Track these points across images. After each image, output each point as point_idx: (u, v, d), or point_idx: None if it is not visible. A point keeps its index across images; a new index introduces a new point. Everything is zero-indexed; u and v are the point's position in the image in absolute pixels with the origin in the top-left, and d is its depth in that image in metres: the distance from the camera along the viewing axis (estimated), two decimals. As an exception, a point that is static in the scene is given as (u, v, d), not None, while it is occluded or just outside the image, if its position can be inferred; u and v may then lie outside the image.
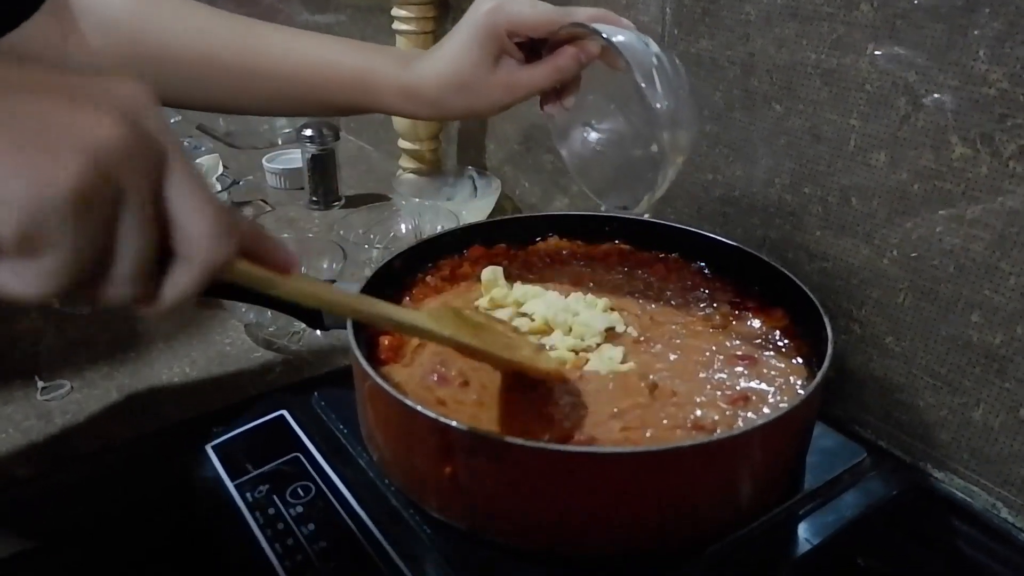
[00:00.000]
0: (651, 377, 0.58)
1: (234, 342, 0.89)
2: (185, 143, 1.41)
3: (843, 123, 0.70)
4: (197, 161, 1.25)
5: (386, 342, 0.63)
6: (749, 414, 0.55)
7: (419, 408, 0.51)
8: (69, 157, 0.29)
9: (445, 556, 0.54)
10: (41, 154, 0.29)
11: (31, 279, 0.30)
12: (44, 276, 0.30)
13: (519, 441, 0.48)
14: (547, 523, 0.52)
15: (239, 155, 1.48)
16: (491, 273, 0.71)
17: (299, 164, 1.26)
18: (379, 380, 0.53)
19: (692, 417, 0.55)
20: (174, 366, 0.84)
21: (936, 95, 0.62)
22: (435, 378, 0.58)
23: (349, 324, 0.60)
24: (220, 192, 1.18)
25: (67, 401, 0.78)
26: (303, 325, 0.87)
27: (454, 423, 0.49)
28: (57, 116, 0.30)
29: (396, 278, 0.72)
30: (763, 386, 0.58)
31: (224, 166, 1.27)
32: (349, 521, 0.57)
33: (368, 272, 0.67)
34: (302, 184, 1.26)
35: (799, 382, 0.59)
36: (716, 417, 0.55)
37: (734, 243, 0.74)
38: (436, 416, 0.50)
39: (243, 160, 1.44)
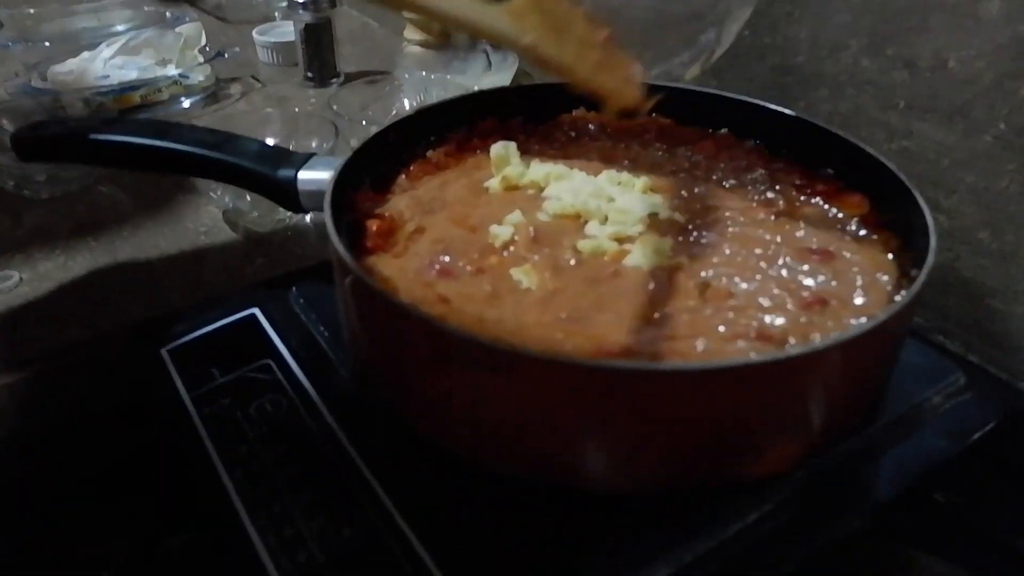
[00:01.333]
0: (702, 274, 0.47)
1: (210, 231, 0.78)
2: (167, 14, 1.27)
3: (947, -38, 0.56)
4: (176, 31, 1.11)
5: (374, 227, 0.51)
6: (828, 322, 0.44)
7: (406, 305, 0.40)
8: None
9: (439, 489, 0.44)
10: None
11: None
12: None
13: (532, 352, 0.37)
14: (567, 454, 0.41)
15: (229, 29, 1.34)
16: (502, 148, 0.59)
17: (293, 37, 1.12)
18: (358, 270, 0.42)
19: (755, 324, 0.43)
20: (139, 257, 0.73)
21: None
22: (435, 270, 0.46)
23: (327, 200, 0.48)
24: (201, 64, 1.05)
25: (13, 295, 0.67)
26: (287, 214, 0.76)
27: (448, 327, 0.38)
28: None
29: (390, 154, 0.60)
30: (843, 287, 0.46)
31: (208, 39, 1.13)
32: (326, 444, 0.47)
33: (355, 143, 0.55)
34: (296, 60, 1.12)
35: (887, 281, 0.47)
36: (785, 324, 0.43)
37: (800, 115, 0.60)
38: (426, 317, 0.39)
39: (232, 35, 1.30)
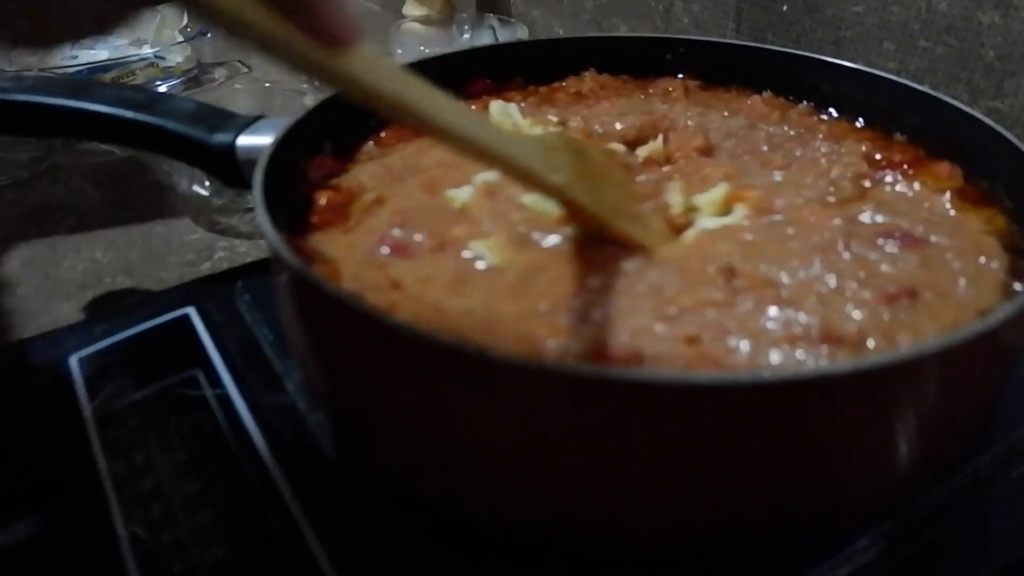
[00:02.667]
0: (727, 261, 0.35)
1: (168, 221, 0.67)
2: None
3: None
4: (156, 8, 1.02)
5: (324, 200, 0.40)
6: (923, 320, 0.32)
7: (340, 295, 0.28)
8: None
9: (393, 545, 0.33)
10: None
11: None
12: None
13: (513, 357, 0.26)
14: (559, 495, 0.30)
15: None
16: (500, 109, 0.48)
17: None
18: (283, 249, 0.31)
19: (816, 322, 0.31)
20: (83, 251, 0.63)
21: None
22: (387, 248, 0.35)
23: (260, 166, 0.37)
24: (180, 43, 0.95)
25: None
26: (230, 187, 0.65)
27: (394, 321, 0.27)
28: None
29: (360, 119, 0.49)
30: (938, 275, 0.35)
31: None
32: (254, 484, 0.36)
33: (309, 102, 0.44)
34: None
35: (997, 268, 0.35)
36: (862, 321, 0.32)
37: (865, 68, 0.49)
38: (366, 310, 0.28)
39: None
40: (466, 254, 0.35)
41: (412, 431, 0.32)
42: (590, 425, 0.27)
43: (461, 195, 0.39)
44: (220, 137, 0.44)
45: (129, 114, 0.45)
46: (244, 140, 0.44)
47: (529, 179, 0.32)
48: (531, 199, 0.38)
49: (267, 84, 0.74)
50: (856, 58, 0.58)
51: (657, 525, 0.31)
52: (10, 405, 0.42)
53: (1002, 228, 0.38)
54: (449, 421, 0.30)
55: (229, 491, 0.36)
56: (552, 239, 0.36)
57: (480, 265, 0.34)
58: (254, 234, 0.65)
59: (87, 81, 0.48)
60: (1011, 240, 0.37)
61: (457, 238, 0.35)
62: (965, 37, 0.51)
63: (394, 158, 0.45)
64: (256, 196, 0.35)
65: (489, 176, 0.40)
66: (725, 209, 0.40)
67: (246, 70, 1.02)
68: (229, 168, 0.44)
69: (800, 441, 0.28)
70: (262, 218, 0.34)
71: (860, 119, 0.49)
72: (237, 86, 0.75)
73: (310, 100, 0.67)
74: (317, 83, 0.73)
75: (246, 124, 0.45)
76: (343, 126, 0.47)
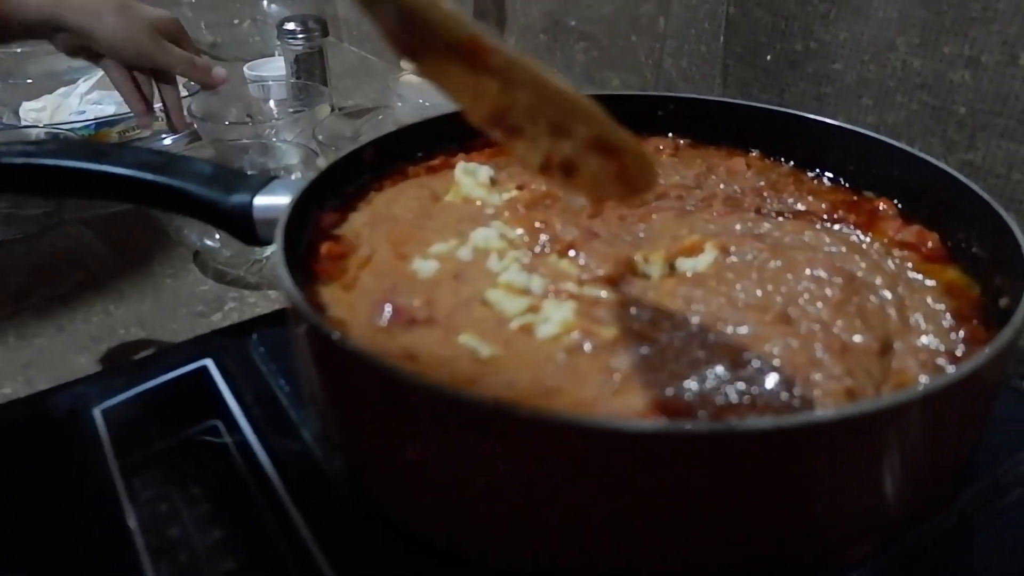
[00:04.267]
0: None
1: (178, 272, 0.70)
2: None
3: (1016, -62, 0.47)
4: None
5: (324, 249, 0.43)
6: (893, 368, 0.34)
7: (356, 349, 0.31)
8: None
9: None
10: None
11: None
12: None
13: (529, 411, 0.28)
14: (567, 539, 0.32)
15: (225, 66, 1.28)
16: (464, 171, 0.50)
17: (284, 72, 1.06)
18: (306, 309, 0.33)
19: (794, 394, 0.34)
20: (95, 303, 0.65)
21: None
22: (389, 313, 0.37)
23: (280, 227, 0.40)
24: (186, 96, 0.98)
25: (-55, 347, 0.59)
26: (265, 252, 0.68)
27: (414, 376, 0.29)
28: None
29: (370, 175, 0.52)
30: (899, 328, 0.37)
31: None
32: (277, 532, 0.38)
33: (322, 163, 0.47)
34: (286, 95, 1.05)
35: (962, 327, 0.38)
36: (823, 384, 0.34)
37: (843, 124, 0.52)
38: (386, 365, 0.30)
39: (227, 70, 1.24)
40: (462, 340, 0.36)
41: (423, 476, 0.34)
42: (593, 470, 0.29)
43: (424, 268, 0.40)
44: (237, 198, 0.46)
45: (149, 176, 0.48)
46: (260, 200, 0.46)
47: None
48: (495, 295, 0.38)
49: (274, 139, 0.77)
50: (837, 112, 0.61)
51: (652, 560, 0.33)
52: (36, 454, 0.44)
53: (959, 281, 0.41)
54: (456, 467, 0.32)
55: (251, 537, 0.38)
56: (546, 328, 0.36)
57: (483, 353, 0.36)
58: (262, 285, 0.68)
59: (108, 145, 0.51)
60: (979, 297, 0.40)
61: (444, 316, 0.37)
62: (939, 94, 0.54)
63: (377, 203, 0.48)
64: (278, 257, 0.38)
65: (454, 251, 0.42)
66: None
67: (248, 120, 1.05)
68: (246, 227, 0.47)
69: (787, 485, 0.31)
70: (283, 276, 0.36)
71: (840, 177, 0.52)
72: (244, 140, 0.77)
73: (308, 150, 0.70)
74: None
75: (260, 185, 0.47)
76: (349, 181, 0.50)
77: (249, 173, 0.50)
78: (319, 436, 0.43)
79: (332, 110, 1.05)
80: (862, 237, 0.45)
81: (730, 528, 0.31)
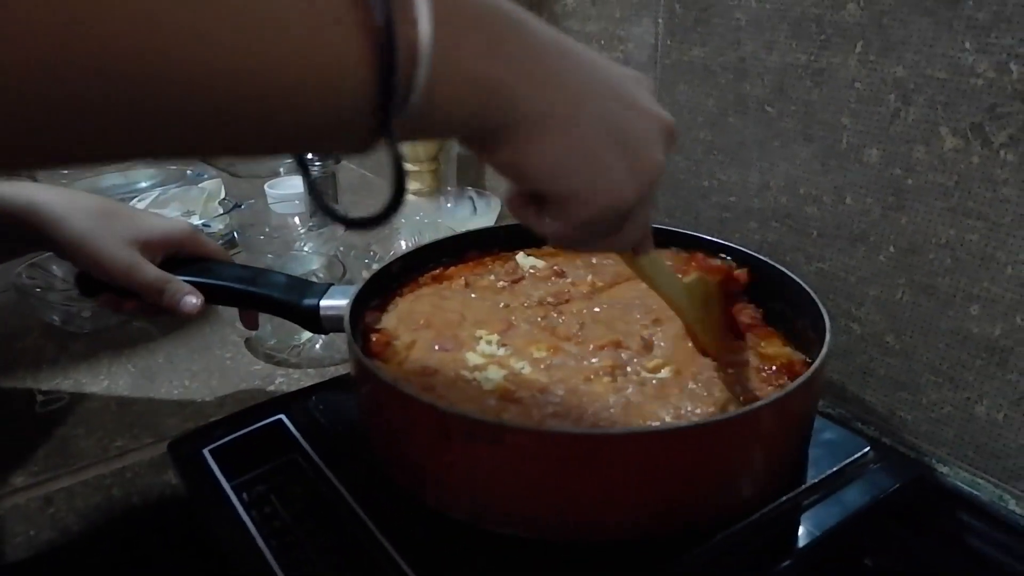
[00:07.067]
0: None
1: (234, 356, 0.89)
2: (188, 172, 1.43)
3: (835, 122, 0.70)
4: (200, 186, 1.26)
5: (374, 338, 0.63)
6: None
7: (410, 393, 0.51)
8: (643, 179, 0.40)
9: (445, 548, 0.54)
10: (630, 173, 0.40)
11: (565, 231, 0.41)
12: (573, 232, 0.41)
13: (517, 424, 0.48)
14: (543, 509, 0.51)
15: (241, 182, 1.50)
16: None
17: (301, 189, 1.27)
18: (370, 366, 0.54)
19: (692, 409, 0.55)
20: (173, 380, 0.84)
21: (925, 89, 0.63)
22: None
23: (346, 323, 0.60)
24: (221, 215, 1.19)
25: (65, 413, 0.78)
26: (302, 338, 0.88)
27: (448, 407, 0.49)
28: (639, 136, 0.40)
29: (394, 281, 0.73)
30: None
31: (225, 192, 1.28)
32: (347, 517, 0.57)
33: (366, 273, 0.68)
34: (304, 210, 1.27)
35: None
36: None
37: (712, 239, 0.74)
38: (430, 401, 0.50)
39: (244, 187, 1.45)
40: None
41: (451, 474, 0.53)
42: (558, 462, 0.49)
43: (491, 378, 0.59)
44: (308, 301, 0.67)
45: (241, 286, 0.68)
46: (325, 302, 0.67)
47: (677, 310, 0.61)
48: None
49: (305, 250, 0.98)
50: (734, 232, 0.84)
51: (597, 524, 0.52)
52: (169, 484, 0.63)
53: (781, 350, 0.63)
54: (474, 466, 0.52)
55: (330, 524, 0.57)
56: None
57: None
58: (301, 364, 0.87)
59: (211, 262, 0.71)
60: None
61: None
62: (798, 220, 0.77)
63: (403, 305, 0.69)
64: (349, 341, 0.58)
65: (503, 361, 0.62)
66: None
67: (269, 231, 1.26)
68: (315, 321, 0.67)
69: (681, 470, 0.51)
70: (358, 354, 0.56)
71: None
72: (293, 252, 0.98)
73: (336, 261, 0.91)
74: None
75: (323, 291, 0.68)
76: (385, 288, 0.71)
77: (313, 281, 0.70)
78: (371, 461, 0.62)
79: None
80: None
81: (643, 500, 0.51)
